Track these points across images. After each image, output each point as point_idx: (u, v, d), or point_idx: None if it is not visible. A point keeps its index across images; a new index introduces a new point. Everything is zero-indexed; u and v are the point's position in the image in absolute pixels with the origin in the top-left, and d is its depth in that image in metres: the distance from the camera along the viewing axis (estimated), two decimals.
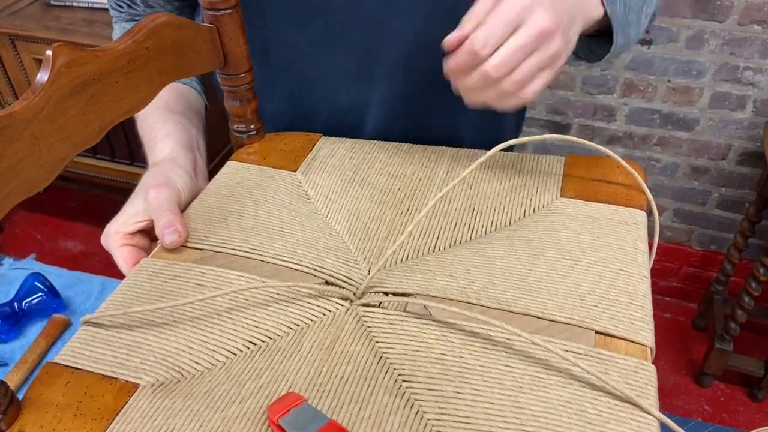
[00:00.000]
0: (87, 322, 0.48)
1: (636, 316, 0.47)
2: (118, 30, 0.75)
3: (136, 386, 0.43)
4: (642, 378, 0.42)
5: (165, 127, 0.64)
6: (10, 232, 2.09)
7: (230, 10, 0.56)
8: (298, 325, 0.47)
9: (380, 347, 0.45)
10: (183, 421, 0.40)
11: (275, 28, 0.67)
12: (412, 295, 0.49)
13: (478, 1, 0.49)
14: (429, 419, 0.40)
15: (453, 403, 0.41)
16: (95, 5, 1.63)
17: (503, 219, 0.56)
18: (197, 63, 0.56)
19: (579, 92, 1.70)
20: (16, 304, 1.01)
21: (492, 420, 0.40)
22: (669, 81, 1.57)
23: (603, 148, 0.57)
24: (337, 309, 0.49)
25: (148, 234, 0.57)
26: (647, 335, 0.46)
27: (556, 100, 1.73)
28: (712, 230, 1.76)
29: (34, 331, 1.02)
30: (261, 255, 0.53)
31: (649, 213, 0.57)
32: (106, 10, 1.62)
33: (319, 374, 0.43)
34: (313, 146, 0.66)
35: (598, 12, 0.56)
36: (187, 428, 0.40)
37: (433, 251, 0.54)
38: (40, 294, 1.02)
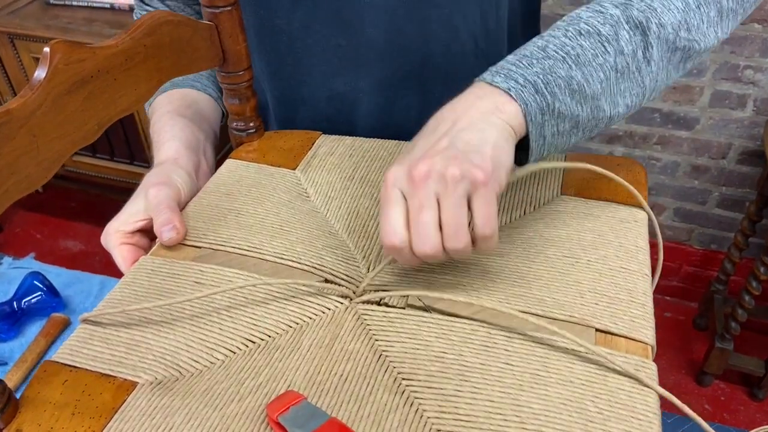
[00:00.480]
0: (85, 320, 0.47)
1: (637, 314, 0.47)
2: None
3: (134, 384, 0.43)
4: (643, 376, 0.42)
5: (172, 130, 0.65)
6: (10, 232, 2.09)
7: (229, 8, 0.56)
8: (297, 323, 0.47)
9: (380, 345, 0.45)
10: (182, 419, 0.40)
11: (268, 15, 0.67)
12: (412, 293, 0.49)
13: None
14: (429, 417, 0.40)
15: (453, 402, 0.41)
16: (95, 4, 1.63)
17: (504, 216, 0.56)
18: (196, 60, 0.56)
19: None
20: (15, 303, 1.01)
21: (492, 418, 0.40)
22: None
23: (611, 174, 0.55)
24: (337, 307, 0.48)
25: (148, 233, 0.57)
26: (648, 333, 0.45)
27: None
28: (712, 229, 1.76)
29: (34, 330, 1.02)
30: (260, 253, 0.52)
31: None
32: (106, 8, 1.62)
33: (319, 372, 0.43)
34: (313, 144, 0.66)
35: (512, 105, 0.46)
36: (186, 426, 0.40)
37: None
38: (40, 293, 1.02)
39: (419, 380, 0.42)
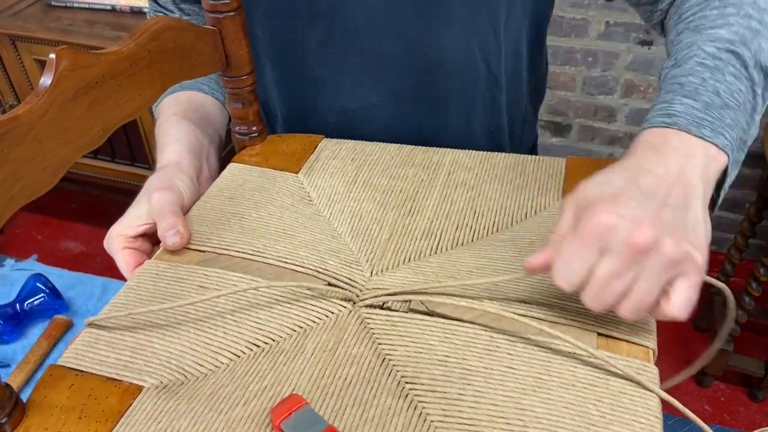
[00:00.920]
0: (90, 325, 0.48)
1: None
2: None
3: (140, 388, 0.43)
4: (644, 379, 0.42)
5: (176, 133, 0.65)
6: (11, 233, 2.09)
7: (232, 13, 0.56)
8: (301, 327, 0.47)
9: (383, 349, 0.45)
10: (187, 423, 0.40)
11: (284, 28, 0.67)
12: (414, 297, 0.49)
13: (561, 215, 0.44)
14: (432, 421, 0.40)
15: (456, 405, 0.41)
16: (96, 6, 1.63)
17: (505, 221, 0.57)
18: (199, 65, 0.56)
19: (579, 93, 1.70)
20: (18, 304, 1.01)
21: (495, 422, 0.40)
22: None
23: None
24: (340, 311, 0.49)
25: (151, 238, 0.57)
26: (649, 337, 0.46)
27: (557, 100, 1.73)
28: (712, 230, 1.76)
29: (36, 331, 1.02)
30: (264, 257, 0.53)
31: None
32: (107, 10, 1.63)
33: (323, 376, 0.43)
34: (315, 148, 0.66)
35: (718, 163, 0.46)
36: (192, 430, 0.40)
37: (435, 253, 0.54)
38: (42, 295, 1.02)
39: (423, 384, 0.43)
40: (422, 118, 0.70)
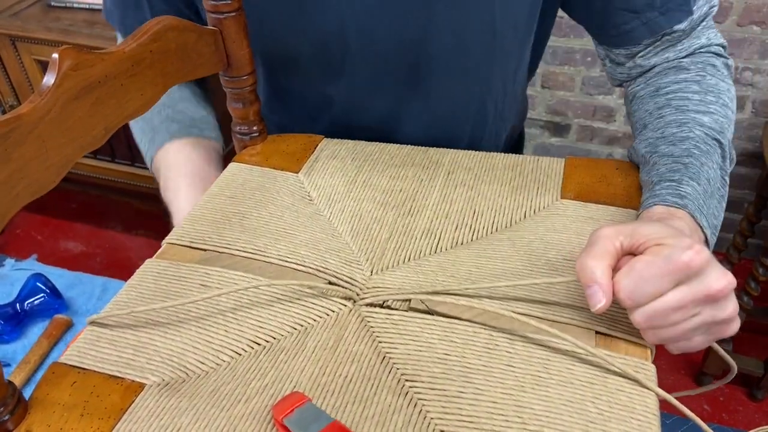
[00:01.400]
0: (92, 323, 0.48)
1: None
2: None
3: (142, 386, 0.43)
4: (642, 377, 0.42)
5: (182, 203, 0.66)
6: (11, 233, 2.09)
7: (233, 13, 0.56)
8: (302, 325, 0.48)
9: (383, 347, 0.46)
10: (189, 420, 0.41)
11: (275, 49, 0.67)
12: (414, 296, 0.49)
13: (604, 241, 0.44)
14: (432, 418, 0.41)
15: (456, 403, 0.41)
16: (96, 6, 1.63)
17: (504, 220, 0.57)
18: (200, 65, 0.57)
19: (578, 93, 1.70)
20: (18, 304, 1.01)
21: (494, 419, 0.40)
22: None
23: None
24: (341, 309, 0.49)
25: None
26: None
27: (556, 100, 1.74)
28: None
29: (36, 331, 1.02)
30: (264, 256, 0.53)
31: None
32: None
33: (323, 374, 0.44)
34: (315, 147, 0.67)
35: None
36: (194, 427, 0.40)
37: (435, 252, 0.54)
38: (43, 295, 1.02)
39: (422, 382, 0.43)
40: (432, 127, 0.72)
